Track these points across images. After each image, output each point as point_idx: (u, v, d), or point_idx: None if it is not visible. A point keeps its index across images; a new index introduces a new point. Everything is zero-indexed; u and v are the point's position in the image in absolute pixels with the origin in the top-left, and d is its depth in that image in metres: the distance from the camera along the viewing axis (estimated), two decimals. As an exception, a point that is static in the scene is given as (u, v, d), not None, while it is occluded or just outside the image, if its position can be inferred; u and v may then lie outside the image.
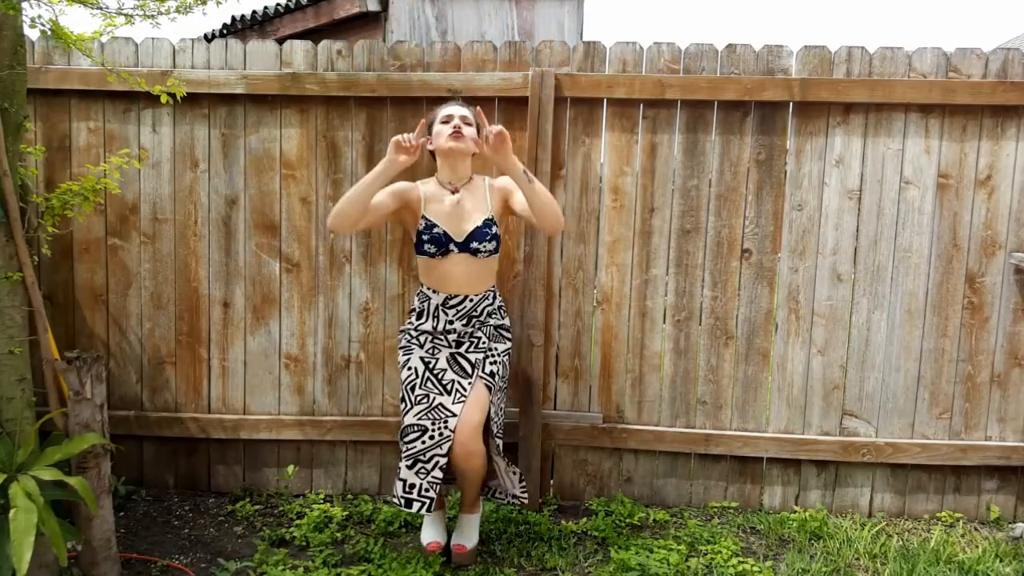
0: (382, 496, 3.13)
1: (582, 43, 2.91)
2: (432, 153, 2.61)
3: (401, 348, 2.60)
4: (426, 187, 2.57)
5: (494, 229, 2.51)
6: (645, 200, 2.96)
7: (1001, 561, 2.64)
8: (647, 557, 2.55)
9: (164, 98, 2.55)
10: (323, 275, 3.03)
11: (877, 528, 2.90)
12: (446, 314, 2.54)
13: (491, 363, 2.54)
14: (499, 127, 2.32)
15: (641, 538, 2.76)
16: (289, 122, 2.97)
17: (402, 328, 2.64)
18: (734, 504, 3.07)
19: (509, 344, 2.65)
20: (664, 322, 3.02)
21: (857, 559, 2.68)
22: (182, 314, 3.05)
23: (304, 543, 2.71)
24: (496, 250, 2.54)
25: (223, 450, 3.13)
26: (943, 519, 3.00)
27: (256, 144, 2.98)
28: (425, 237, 2.47)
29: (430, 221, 2.48)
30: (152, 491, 3.13)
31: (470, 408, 2.44)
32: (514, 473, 2.66)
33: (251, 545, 2.72)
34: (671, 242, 2.97)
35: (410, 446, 2.44)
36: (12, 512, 1.94)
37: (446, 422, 2.42)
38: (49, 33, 2.31)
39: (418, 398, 2.46)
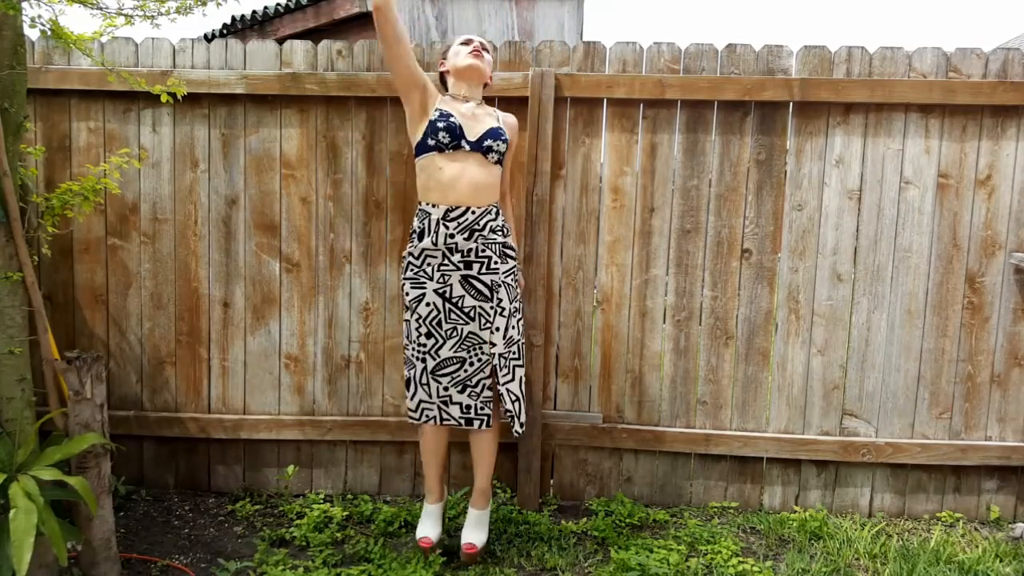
0: (382, 496, 3.13)
1: (582, 43, 2.91)
2: (443, 80, 2.65)
3: (408, 280, 2.51)
4: (441, 96, 2.58)
5: (505, 135, 2.54)
6: (645, 200, 2.96)
7: (1001, 561, 2.64)
8: (647, 557, 2.55)
9: (164, 97, 2.55)
10: (323, 275, 3.03)
11: (877, 528, 2.90)
12: (447, 227, 2.44)
13: (511, 327, 2.52)
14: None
15: (641, 538, 2.76)
16: (289, 122, 2.97)
17: (404, 255, 2.54)
18: (734, 504, 3.07)
19: (515, 262, 2.57)
20: (664, 322, 3.02)
21: (857, 559, 2.68)
22: (182, 314, 3.05)
23: (304, 543, 2.71)
24: (502, 160, 2.56)
25: (223, 450, 3.13)
26: (943, 519, 3.00)
27: (256, 144, 2.98)
28: (441, 124, 2.43)
29: (445, 111, 2.46)
30: (152, 491, 3.13)
31: (503, 373, 2.50)
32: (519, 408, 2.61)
33: (251, 545, 2.72)
34: (671, 242, 2.97)
35: (454, 375, 2.49)
36: (12, 512, 1.94)
37: (481, 347, 2.49)
38: (49, 33, 2.32)
39: (448, 331, 2.47)
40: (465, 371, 2.49)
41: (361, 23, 5.81)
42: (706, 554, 2.66)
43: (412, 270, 2.50)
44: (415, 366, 2.53)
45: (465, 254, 2.46)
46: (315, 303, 3.04)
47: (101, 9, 2.40)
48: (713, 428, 3.03)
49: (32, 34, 2.75)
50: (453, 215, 2.45)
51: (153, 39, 2.94)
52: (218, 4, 2.51)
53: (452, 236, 2.44)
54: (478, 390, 2.52)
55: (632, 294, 3.00)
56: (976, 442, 2.96)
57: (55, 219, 2.51)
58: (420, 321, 2.49)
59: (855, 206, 2.92)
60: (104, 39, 2.69)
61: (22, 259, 2.27)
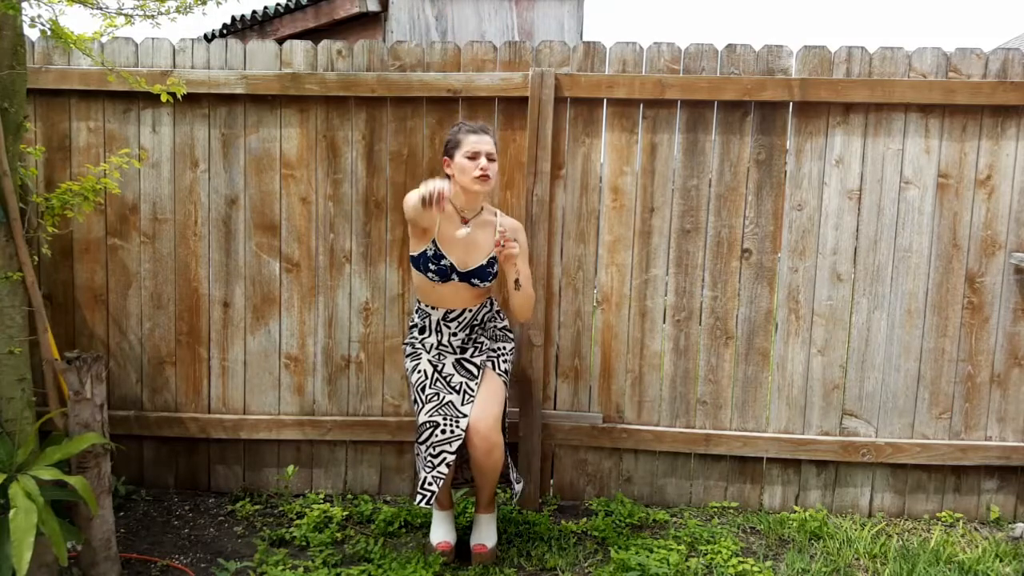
0: (382, 496, 3.13)
1: (582, 43, 2.91)
2: (446, 177, 2.55)
3: (408, 356, 2.66)
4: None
5: (495, 268, 2.57)
6: (645, 200, 2.96)
7: (1001, 561, 2.64)
8: (647, 557, 2.55)
9: (165, 97, 2.54)
10: (323, 275, 3.03)
11: (877, 528, 2.90)
12: (448, 327, 2.60)
13: (503, 361, 2.62)
14: (513, 245, 2.39)
15: (641, 538, 2.76)
16: (289, 122, 2.97)
17: (406, 341, 2.70)
18: (734, 504, 3.07)
19: (513, 343, 2.71)
20: (664, 322, 3.02)
21: (857, 559, 2.68)
22: (182, 314, 3.05)
23: (304, 543, 2.71)
24: (493, 281, 2.62)
25: (223, 450, 3.13)
26: (943, 519, 3.00)
27: (256, 144, 2.98)
28: (432, 266, 2.51)
29: (439, 251, 2.50)
30: (152, 491, 3.13)
31: (488, 402, 2.49)
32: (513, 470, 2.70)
33: (251, 545, 2.72)
34: (671, 242, 2.97)
35: (426, 443, 2.44)
36: (12, 512, 1.94)
37: (457, 421, 2.44)
38: (49, 33, 2.31)
39: (429, 396, 2.50)
40: (436, 436, 2.42)
41: (361, 23, 5.81)
42: (706, 554, 2.66)
43: (411, 348, 2.66)
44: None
45: (464, 342, 2.61)
46: (315, 303, 3.04)
47: (101, 9, 2.40)
48: (713, 428, 3.03)
49: (32, 34, 2.75)
50: (452, 315, 2.60)
51: (153, 39, 2.94)
52: (218, 3, 2.51)
53: (455, 334, 2.61)
54: (436, 462, 2.42)
55: (632, 294, 3.00)
56: (976, 442, 2.96)
57: (55, 219, 2.51)
58: (411, 388, 2.61)
59: (855, 206, 2.92)
60: (104, 39, 2.69)
61: (22, 259, 2.27)
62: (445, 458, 2.42)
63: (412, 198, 2.41)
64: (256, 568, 2.54)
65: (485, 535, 2.62)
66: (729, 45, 2.87)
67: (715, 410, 3.03)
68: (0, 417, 2.27)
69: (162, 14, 2.44)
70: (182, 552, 2.68)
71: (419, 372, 2.56)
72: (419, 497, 2.42)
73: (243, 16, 6.44)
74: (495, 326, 2.69)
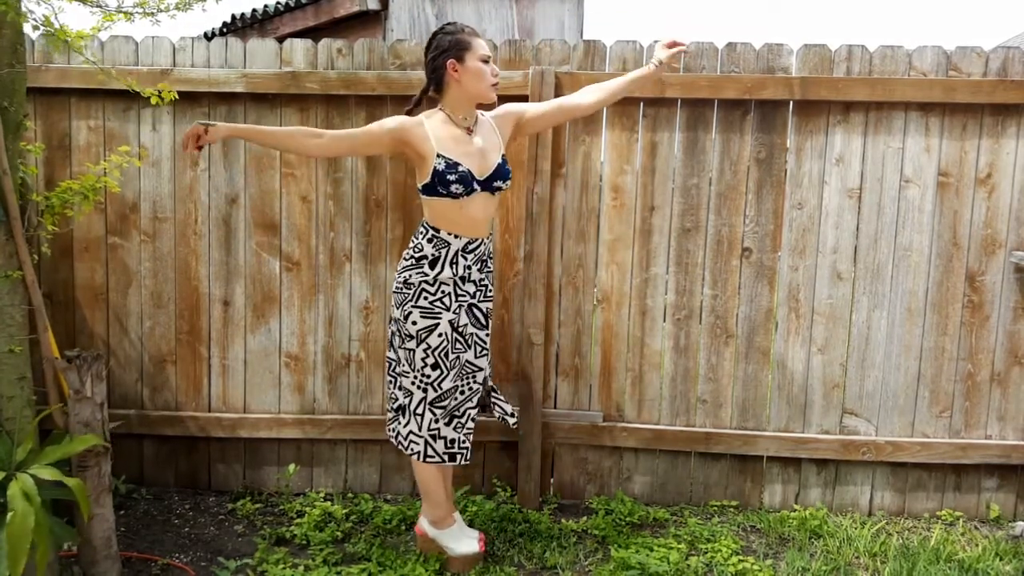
0: (382, 495, 3.13)
1: (582, 41, 2.91)
2: (436, 83, 2.38)
3: (418, 308, 2.36)
4: (432, 123, 2.36)
5: (508, 167, 2.45)
6: (645, 199, 2.96)
7: (1001, 560, 2.65)
8: (647, 555, 2.55)
9: (154, 100, 2.48)
10: (323, 274, 3.03)
11: (877, 527, 2.90)
12: (465, 259, 2.39)
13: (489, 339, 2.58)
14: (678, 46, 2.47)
15: (641, 536, 2.76)
16: (289, 120, 2.97)
17: (412, 281, 2.38)
18: (734, 503, 3.07)
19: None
20: (664, 321, 3.02)
21: (857, 558, 2.68)
22: (182, 313, 3.05)
23: (304, 542, 2.71)
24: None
25: (223, 449, 3.13)
26: (943, 518, 3.00)
27: (256, 143, 2.98)
28: (451, 177, 2.28)
29: (450, 160, 2.30)
30: (152, 490, 3.13)
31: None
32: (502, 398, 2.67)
33: (251, 544, 2.72)
34: (671, 241, 2.97)
35: (445, 407, 2.43)
36: (9, 516, 1.93)
37: (474, 376, 2.48)
38: (42, 30, 2.30)
39: (452, 363, 2.41)
40: (455, 399, 2.44)
41: (361, 22, 5.81)
42: (706, 552, 2.66)
43: (426, 298, 2.36)
44: (412, 395, 2.44)
45: (477, 284, 2.47)
46: (315, 302, 3.04)
47: (100, 7, 2.40)
48: (713, 427, 3.03)
49: (32, 32, 2.75)
50: (471, 247, 2.41)
51: (153, 38, 2.93)
52: (217, 1, 2.50)
53: (469, 267, 2.41)
54: (463, 420, 2.46)
55: (632, 293, 3.00)
56: (976, 440, 2.96)
57: (55, 218, 2.51)
58: (429, 351, 2.38)
59: (855, 204, 2.91)
60: (104, 37, 2.69)
61: (22, 257, 2.27)
62: (469, 414, 2.48)
63: (389, 121, 2.36)
64: (256, 567, 2.54)
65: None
66: (729, 44, 2.87)
67: (715, 409, 3.03)
68: (0, 415, 2.27)
69: (162, 11, 2.43)
70: (182, 551, 2.68)
71: (441, 336, 2.37)
72: (459, 457, 2.45)
73: (243, 14, 6.43)
74: (493, 269, 2.58)
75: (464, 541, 2.55)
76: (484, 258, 2.48)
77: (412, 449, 2.46)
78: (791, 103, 2.88)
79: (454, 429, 2.45)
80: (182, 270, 3.03)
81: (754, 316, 2.98)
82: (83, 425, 2.28)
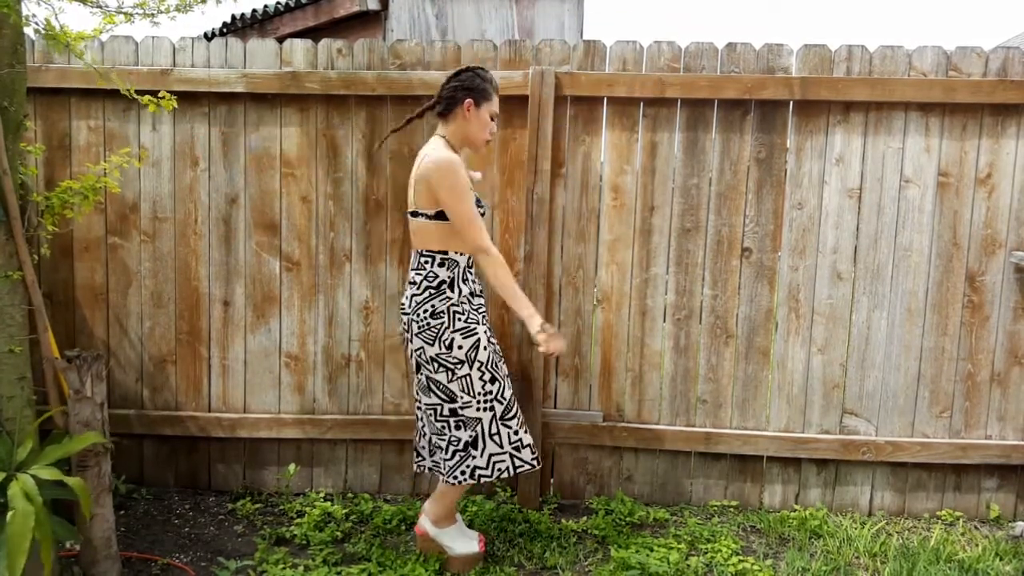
0: (382, 495, 3.13)
1: (582, 42, 2.91)
2: (445, 108, 2.43)
3: (458, 332, 2.34)
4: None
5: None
6: (645, 199, 2.96)
7: (1001, 560, 2.64)
8: (647, 556, 2.55)
9: (152, 108, 2.47)
10: (323, 274, 3.03)
11: (877, 527, 2.90)
12: (470, 274, 2.44)
13: None
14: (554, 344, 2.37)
15: (641, 536, 2.76)
16: (289, 121, 2.97)
17: (440, 309, 2.34)
18: (734, 503, 3.07)
19: None
20: (664, 321, 3.02)
21: (857, 558, 2.68)
22: (182, 313, 3.05)
23: (304, 542, 2.71)
24: None
25: (223, 449, 3.13)
26: (943, 518, 3.00)
27: (256, 143, 2.98)
28: (481, 211, 2.42)
29: (477, 197, 2.45)
30: (152, 490, 3.13)
31: None
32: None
33: (251, 544, 2.72)
34: (671, 241, 2.97)
35: (519, 416, 2.48)
36: (10, 515, 1.93)
37: (512, 390, 2.52)
38: (42, 31, 2.31)
39: (502, 372, 2.45)
40: (518, 409, 2.50)
41: (361, 22, 5.81)
42: (706, 553, 2.66)
43: (459, 318, 2.35)
44: (481, 420, 2.39)
45: (481, 295, 2.50)
46: (315, 302, 3.04)
47: (101, 7, 2.40)
48: (713, 427, 3.03)
49: (32, 33, 2.75)
50: (470, 262, 2.44)
51: (153, 38, 2.93)
52: (218, 1, 2.51)
53: (475, 281, 2.46)
54: (524, 422, 2.54)
55: (632, 293, 3.00)
56: (976, 441, 2.96)
57: (55, 218, 2.51)
58: (483, 368, 2.37)
59: (855, 205, 2.91)
60: (104, 37, 2.69)
61: (22, 257, 2.27)
62: (520, 417, 2.50)
63: (462, 176, 2.33)
64: (256, 567, 2.54)
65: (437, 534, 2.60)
66: (729, 44, 2.87)
67: (715, 409, 3.03)
68: (0, 416, 2.27)
69: (162, 12, 2.44)
70: (182, 551, 2.68)
71: (485, 349, 2.37)
72: (535, 462, 2.49)
73: (243, 15, 6.44)
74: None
75: (464, 541, 2.55)
76: (477, 271, 2.50)
77: (498, 469, 2.43)
78: (791, 103, 2.88)
79: (527, 433, 2.50)
80: (182, 270, 3.03)
81: (754, 316, 2.98)
82: (83, 425, 2.28)
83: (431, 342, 2.33)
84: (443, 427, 2.41)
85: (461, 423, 2.39)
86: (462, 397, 2.36)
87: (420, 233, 2.40)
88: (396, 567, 2.51)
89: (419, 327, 2.34)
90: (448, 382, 2.35)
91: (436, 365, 2.35)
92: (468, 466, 2.41)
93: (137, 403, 3.09)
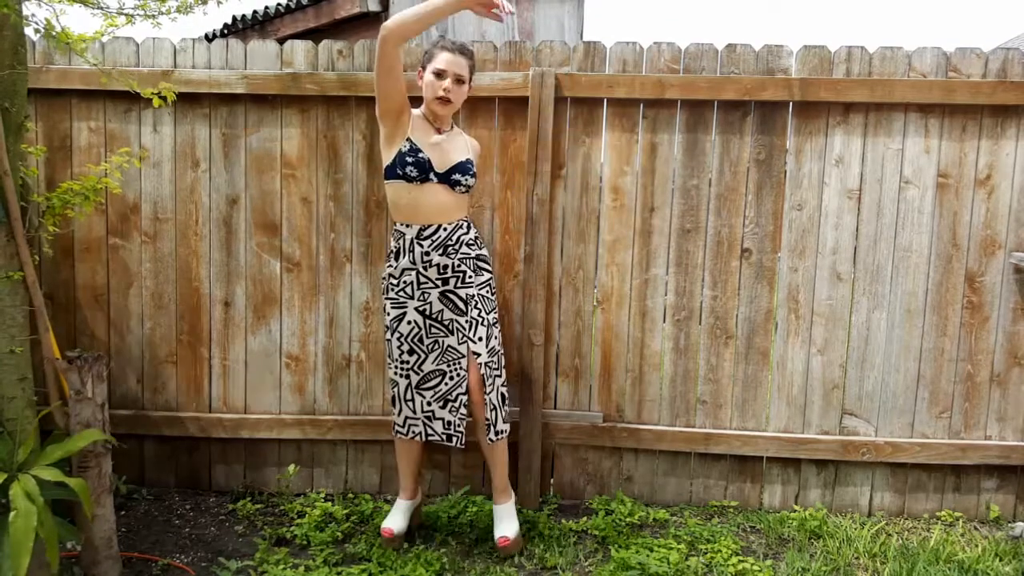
0: (383, 495, 3.13)
1: (582, 43, 2.91)
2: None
3: (389, 299, 2.58)
4: (415, 113, 2.54)
5: (473, 168, 2.57)
6: (645, 200, 2.96)
7: (1001, 560, 2.65)
8: (647, 556, 2.55)
9: (157, 102, 2.49)
10: (324, 275, 3.04)
11: (877, 527, 2.90)
12: (421, 246, 2.50)
13: (482, 325, 2.57)
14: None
15: (641, 537, 2.76)
16: (290, 122, 2.97)
17: (385, 275, 2.61)
18: (734, 503, 3.07)
19: (490, 275, 2.64)
20: (664, 321, 3.03)
21: (857, 558, 2.68)
22: (183, 313, 3.05)
23: (305, 542, 2.72)
24: (471, 188, 2.59)
25: (224, 449, 3.14)
26: (943, 518, 3.00)
27: (257, 144, 2.99)
28: (409, 159, 2.45)
29: (415, 145, 2.47)
30: (153, 490, 3.14)
31: (473, 390, 2.56)
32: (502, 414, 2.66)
33: (252, 544, 2.72)
34: (671, 242, 2.97)
35: (436, 389, 2.55)
36: (12, 515, 1.93)
37: (459, 363, 2.55)
38: (42, 32, 2.31)
39: (430, 345, 2.55)
40: (446, 384, 2.57)
41: (362, 23, 5.81)
42: (706, 553, 2.66)
43: (392, 290, 2.57)
44: (399, 383, 2.61)
45: (441, 270, 2.53)
46: (316, 303, 3.05)
47: (102, 9, 2.40)
48: (713, 427, 3.04)
49: (33, 34, 2.75)
50: (426, 233, 2.51)
51: (154, 39, 2.94)
52: (219, 3, 2.51)
53: (427, 254, 2.51)
54: (457, 405, 2.57)
55: (632, 293, 3.00)
56: (976, 441, 2.97)
57: (56, 218, 2.51)
58: (402, 339, 2.57)
59: (855, 206, 2.92)
60: (105, 39, 2.69)
61: (23, 258, 2.28)
62: (462, 400, 2.56)
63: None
64: (257, 567, 2.54)
65: (506, 525, 2.64)
66: (729, 45, 2.88)
67: (715, 409, 3.03)
68: (1, 416, 2.27)
69: (163, 14, 2.44)
70: (183, 551, 2.68)
71: (410, 323, 2.54)
72: (456, 439, 2.57)
73: (244, 16, 6.44)
74: (474, 255, 2.58)
75: (388, 519, 2.66)
76: (447, 243, 2.52)
77: (413, 431, 2.62)
78: (791, 104, 2.88)
79: (449, 412, 2.57)
80: (183, 271, 3.04)
81: (754, 317, 2.98)
82: (83, 426, 2.29)
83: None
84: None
85: (388, 378, 2.67)
86: (388, 358, 2.64)
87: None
88: (396, 567, 2.51)
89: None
90: (386, 341, 2.63)
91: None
92: (394, 421, 2.67)
93: (138, 404, 3.09)
